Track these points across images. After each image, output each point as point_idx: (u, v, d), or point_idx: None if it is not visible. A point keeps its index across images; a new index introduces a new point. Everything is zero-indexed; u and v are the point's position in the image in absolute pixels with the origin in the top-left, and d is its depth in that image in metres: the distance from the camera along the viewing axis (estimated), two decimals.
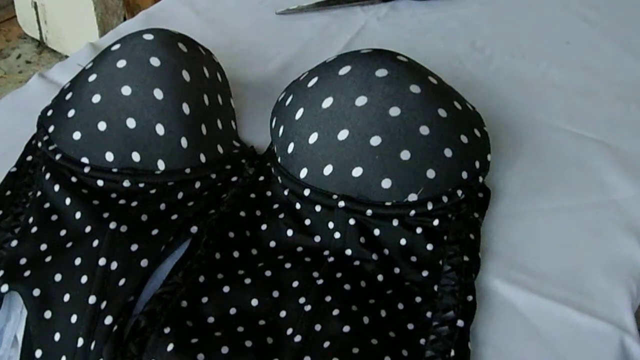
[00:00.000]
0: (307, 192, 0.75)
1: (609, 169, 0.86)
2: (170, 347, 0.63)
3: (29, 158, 0.82)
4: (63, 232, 0.72)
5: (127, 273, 0.68)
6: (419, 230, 0.74)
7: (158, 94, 0.77)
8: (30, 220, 0.74)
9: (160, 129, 0.77)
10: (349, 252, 0.73)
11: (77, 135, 0.78)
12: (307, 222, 0.75)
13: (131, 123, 0.77)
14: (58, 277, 0.68)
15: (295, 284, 0.69)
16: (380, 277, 0.71)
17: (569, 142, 0.90)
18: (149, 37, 0.81)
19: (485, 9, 1.15)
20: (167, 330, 0.64)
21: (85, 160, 0.78)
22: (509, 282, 0.73)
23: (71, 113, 0.79)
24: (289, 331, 0.66)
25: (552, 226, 0.79)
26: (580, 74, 1.02)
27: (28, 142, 0.84)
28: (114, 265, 0.68)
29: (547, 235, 0.78)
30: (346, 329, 0.65)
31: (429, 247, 0.73)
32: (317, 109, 0.77)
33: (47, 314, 0.67)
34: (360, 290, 0.70)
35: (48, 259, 0.70)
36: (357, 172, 0.74)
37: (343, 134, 0.74)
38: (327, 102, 0.76)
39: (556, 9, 1.16)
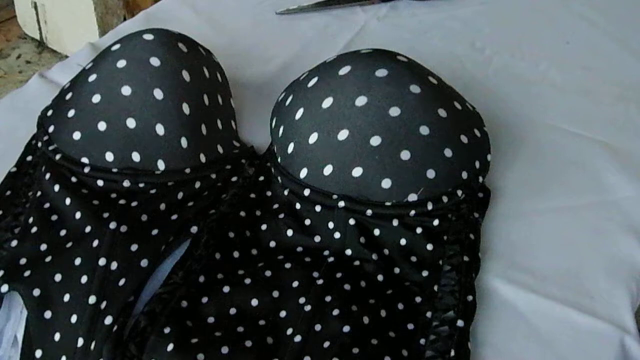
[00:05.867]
0: (307, 192, 0.75)
1: (609, 169, 0.86)
2: (170, 347, 0.63)
3: (29, 158, 0.82)
4: (63, 232, 0.72)
5: (127, 273, 0.68)
6: (419, 230, 0.74)
7: (158, 94, 0.77)
8: (30, 220, 0.74)
9: (160, 129, 0.77)
10: (349, 252, 0.73)
11: (77, 135, 0.78)
12: (307, 222, 0.75)
13: (131, 123, 0.77)
14: (58, 277, 0.68)
15: (295, 284, 0.69)
16: (380, 277, 0.71)
17: (569, 142, 0.90)
18: (149, 37, 0.81)
19: (485, 9, 1.15)
20: (167, 330, 0.64)
21: (85, 160, 0.78)
22: (509, 282, 0.73)
23: (71, 113, 0.79)
24: (289, 331, 0.66)
25: (552, 226, 0.79)
26: (580, 74, 1.02)
27: (28, 142, 0.84)
28: (114, 265, 0.68)
29: (547, 235, 0.78)
30: (346, 329, 0.65)
31: (429, 247, 0.73)
32: (317, 109, 0.77)
33: (47, 314, 0.67)
34: (360, 290, 0.70)
35: (48, 259, 0.70)
36: (357, 172, 0.74)
37: (343, 134, 0.74)
38: (327, 102, 0.76)
39: (556, 9, 1.16)
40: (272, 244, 0.75)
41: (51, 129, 0.81)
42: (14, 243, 0.72)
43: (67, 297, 0.67)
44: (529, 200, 0.82)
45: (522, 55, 1.05)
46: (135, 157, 0.77)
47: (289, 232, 0.75)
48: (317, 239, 0.74)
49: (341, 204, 0.73)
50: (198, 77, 0.81)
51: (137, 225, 0.72)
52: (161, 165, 0.78)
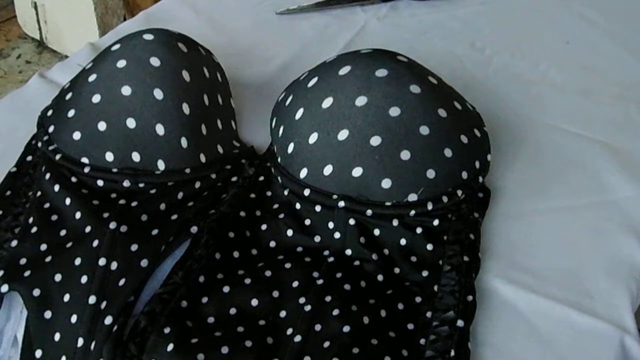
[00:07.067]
0: (307, 192, 0.75)
1: (609, 169, 0.86)
2: (170, 347, 0.63)
3: (29, 158, 0.82)
4: (63, 232, 0.72)
5: (127, 273, 0.68)
6: (419, 230, 0.74)
7: (158, 94, 0.77)
8: (30, 220, 0.74)
9: (160, 129, 0.77)
10: (349, 252, 0.73)
11: (77, 135, 0.78)
12: (307, 222, 0.75)
13: (131, 123, 0.77)
14: (58, 277, 0.68)
15: (295, 284, 0.69)
16: (380, 277, 0.71)
17: (569, 142, 0.90)
18: (149, 37, 0.81)
19: (485, 9, 1.15)
20: (167, 330, 0.64)
21: (85, 160, 0.78)
22: (509, 282, 0.73)
23: (71, 113, 0.79)
24: (289, 331, 0.66)
25: (552, 226, 0.79)
26: (580, 74, 1.02)
27: (28, 142, 0.84)
28: (114, 265, 0.68)
29: (547, 235, 0.78)
30: (346, 329, 0.65)
31: (429, 247, 0.73)
32: (317, 109, 0.77)
33: (47, 314, 0.67)
34: (360, 290, 0.70)
35: (48, 259, 0.70)
36: (357, 172, 0.74)
37: (343, 134, 0.74)
38: (327, 102, 0.76)
39: (556, 9, 1.16)
40: (272, 244, 0.75)
41: (51, 129, 0.81)
42: (14, 243, 0.72)
43: (67, 297, 0.67)
44: (529, 200, 0.82)
45: (522, 55, 1.05)
46: (135, 157, 0.77)
47: (289, 232, 0.75)
48: (317, 239, 0.74)
49: (341, 204, 0.73)
50: (198, 77, 0.81)
51: (137, 225, 0.72)
52: (161, 165, 0.78)
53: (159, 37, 0.81)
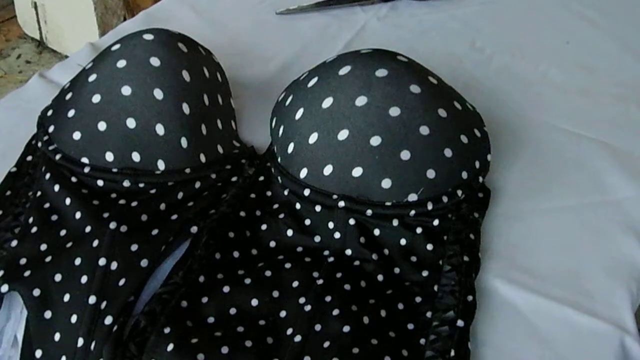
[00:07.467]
0: (307, 192, 0.75)
1: (609, 169, 0.86)
2: (170, 347, 0.63)
3: (29, 158, 0.82)
4: (63, 232, 0.72)
5: (127, 273, 0.68)
6: (419, 230, 0.74)
7: (158, 94, 0.77)
8: (30, 220, 0.74)
9: (160, 129, 0.77)
10: (349, 252, 0.73)
11: (77, 135, 0.78)
12: (307, 222, 0.75)
13: (131, 123, 0.77)
14: (58, 277, 0.68)
15: (295, 284, 0.69)
16: (380, 277, 0.71)
17: (569, 142, 0.90)
18: (149, 37, 0.81)
19: (485, 9, 1.15)
20: (167, 330, 0.64)
21: (85, 160, 0.78)
22: (509, 282, 0.73)
23: (71, 113, 0.79)
24: (289, 331, 0.66)
25: (552, 226, 0.79)
26: (580, 74, 1.02)
27: (28, 142, 0.84)
28: (114, 265, 0.68)
29: (547, 235, 0.78)
30: (346, 329, 0.65)
31: (429, 247, 0.73)
32: (317, 109, 0.77)
33: (47, 314, 0.67)
34: (360, 290, 0.70)
35: (48, 259, 0.70)
36: (357, 172, 0.74)
37: (343, 134, 0.74)
38: (327, 102, 0.76)
39: (556, 9, 1.16)
40: (272, 244, 0.75)
41: (51, 129, 0.81)
42: (14, 243, 0.72)
43: (67, 297, 0.67)
44: (529, 200, 0.82)
45: (522, 55, 1.05)
46: (135, 157, 0.77)
47: (289, 232, 0.75)
48: (317, 239, 0.74)
49: (341, 204, 0.73)
50: (198, 77, 0.81)
51: (137, 225, 0.72)
52: (161, 165, 0.78)
53: (159, 37, 0.81)
